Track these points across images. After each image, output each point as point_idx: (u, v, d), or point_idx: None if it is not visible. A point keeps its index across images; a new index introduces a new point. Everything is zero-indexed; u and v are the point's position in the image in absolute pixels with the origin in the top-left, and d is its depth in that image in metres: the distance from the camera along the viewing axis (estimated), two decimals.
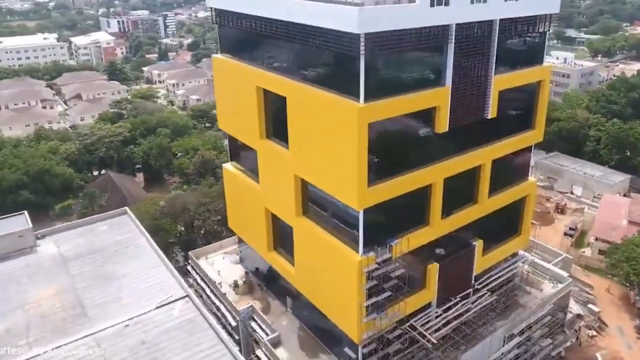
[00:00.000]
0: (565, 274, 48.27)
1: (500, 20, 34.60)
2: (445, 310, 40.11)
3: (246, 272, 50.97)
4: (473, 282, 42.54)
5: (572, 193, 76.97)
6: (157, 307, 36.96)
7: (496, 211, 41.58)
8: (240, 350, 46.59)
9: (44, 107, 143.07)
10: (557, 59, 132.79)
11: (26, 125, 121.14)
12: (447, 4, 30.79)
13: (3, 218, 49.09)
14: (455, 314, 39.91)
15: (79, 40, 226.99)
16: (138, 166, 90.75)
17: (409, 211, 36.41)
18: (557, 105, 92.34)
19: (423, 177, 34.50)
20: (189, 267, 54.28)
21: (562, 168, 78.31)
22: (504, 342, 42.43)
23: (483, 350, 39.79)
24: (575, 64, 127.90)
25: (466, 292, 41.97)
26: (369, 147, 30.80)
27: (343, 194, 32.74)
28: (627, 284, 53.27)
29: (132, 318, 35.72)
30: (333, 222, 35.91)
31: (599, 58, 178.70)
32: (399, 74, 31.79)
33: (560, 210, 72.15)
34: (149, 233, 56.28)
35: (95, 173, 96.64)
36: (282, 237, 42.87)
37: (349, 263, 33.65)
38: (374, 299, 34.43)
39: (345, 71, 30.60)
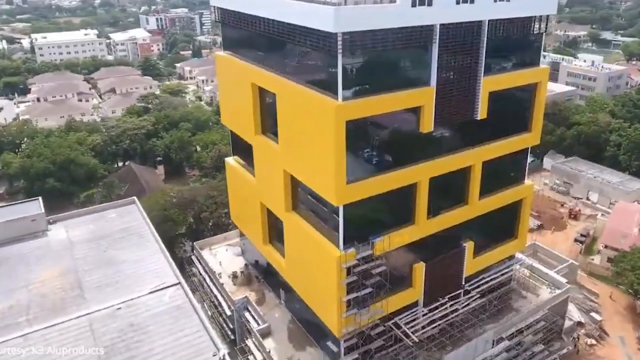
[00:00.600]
0: (563, 280, 47.48)
1: (490, 21, 34.47)
2: (432, 310, 40.22)
3: (246, 264, 52.38)
4: (463, 283, 42.44)
5: (588, 199, 74.91)
6: (150, 293, 38.62)
7: (489, 213, 41.34)
8: (235, 339, 48.32)
9: (80, 100, 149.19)
10: (585, 61, 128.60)
11: (61, 117, 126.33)
12: (430, 4, 30.97)
13: (19, 203, 52.21)
14: (441, 315, 39.99)
15: (117, 37, 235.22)
16: (159, 158, 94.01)
17: (393, 209, 36.77)
18: (579, 109, 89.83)
19: (406, 176, 34.75)
20: (193, 257, 56.18)
21: (578, 173, 76.23)
22: (492, 345, 42.18)
23: (467, 352, 39.68)
24: (602, 67, 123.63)
25: (456, 293, 41.93)
26: (351, 143, 31.45)
27: (323, 189, 33.48)
28: (632, 293, 51.74)
29: (125, 301, 37.52)
30: (317, 218, 36.69)
31: (634, 62, 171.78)
32: (380, 73, 32.16)
33: (574, 216, 70.45)
34: (157, 223, 58.54)
35: (121, 164, 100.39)
36: (276, 231, 43.94)
37: (329, 258, 34.34)
38: (354, 295, 34.96)
39: (326, 69, 31.34)
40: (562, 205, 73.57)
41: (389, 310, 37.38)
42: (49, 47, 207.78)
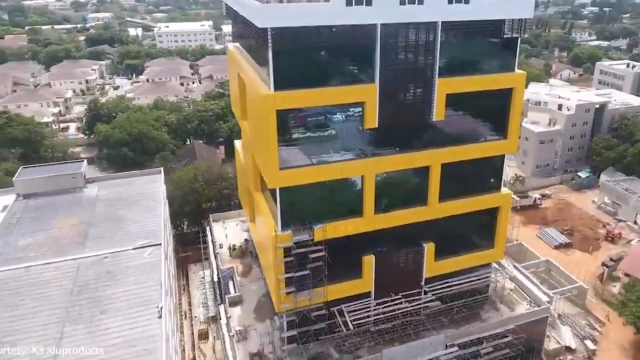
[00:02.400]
0: (545, 299, 44.92)
1: (446, 22, 34.32)
2: (380, 304, 41.01)
3: (246, 240, 56.75)
4: (423, 284, 42.44)
5: (635, 223, 67.40)
6: (134, 248, 44.59)
7: (457, 218, 40.85)
8: (221, 303, 53.09)
9: (182, 84, 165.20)
10: None
11: (158, 97, 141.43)
12: (369, 4, 31.99)
13: (68, 162, 61.95)
14: (388, 310, 40.66)
15: (227, 29, 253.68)
16: (221, 139, 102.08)
17: (339, 199, 38.15)
18: None
19: (344, 169, 36.06)
20: (206, 228, 61.87)
21: (628, 194, 68.64)
22: (445, 349, 41.75)
23: (408, 350, 39.84)
24: None
25: (414, 292, 42.10)
26: (291, 132, 33.89)
27: (263, 172, 36.31)
28: (633, 325, 46.86)
29: (112, 252, 43.88)
30: (271, 200, 39.55)
31: None
32: (318, 67, 33.82)
33: (611, 239, 64.12)
34: (185, 193, 65.17)
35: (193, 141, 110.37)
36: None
37: (269, 237, 37.14)
38: (291, 274, 37.27)
39: (266, 60, 33.75)
40: (603, 226, 67.31)
41: (331, 297, 38.95)
42: (167, 35, 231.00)
